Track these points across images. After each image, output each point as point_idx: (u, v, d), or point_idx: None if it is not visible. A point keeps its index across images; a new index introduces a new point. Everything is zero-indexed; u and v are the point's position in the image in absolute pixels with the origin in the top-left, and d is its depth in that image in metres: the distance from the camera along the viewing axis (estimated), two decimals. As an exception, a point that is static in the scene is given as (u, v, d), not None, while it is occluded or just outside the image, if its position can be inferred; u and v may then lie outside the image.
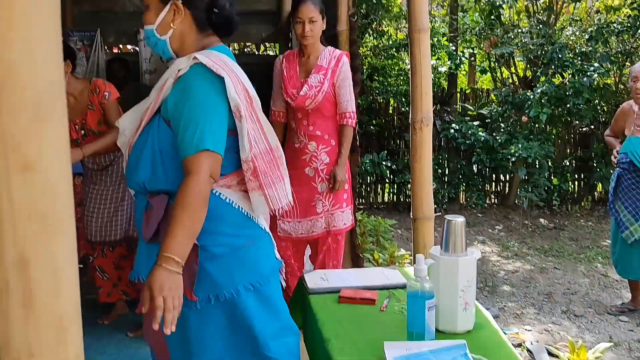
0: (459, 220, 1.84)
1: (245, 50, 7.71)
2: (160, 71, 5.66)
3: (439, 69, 7.13)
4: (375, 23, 7.06)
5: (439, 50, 6.93)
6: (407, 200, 7.35)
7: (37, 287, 0.52)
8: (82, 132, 3.23)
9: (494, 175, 7.65)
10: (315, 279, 2.27)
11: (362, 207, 7.52)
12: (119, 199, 3.36)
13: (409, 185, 6.86)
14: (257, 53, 7.34)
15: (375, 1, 6.59)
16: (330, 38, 3.91)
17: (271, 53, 7.33)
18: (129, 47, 6.35)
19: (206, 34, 1.73)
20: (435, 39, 6.70)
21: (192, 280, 1.63)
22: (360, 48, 7.28)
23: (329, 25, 3.91)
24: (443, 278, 1.81)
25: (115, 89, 3.29)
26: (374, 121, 7.27)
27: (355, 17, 3.70)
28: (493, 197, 7.69)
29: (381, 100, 7.39)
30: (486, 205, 7.42)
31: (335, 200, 3.14)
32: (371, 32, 7.28)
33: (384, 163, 6.93)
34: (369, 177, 7.34)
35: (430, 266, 1.82)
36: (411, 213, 2.62)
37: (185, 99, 1.59)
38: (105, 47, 5.77)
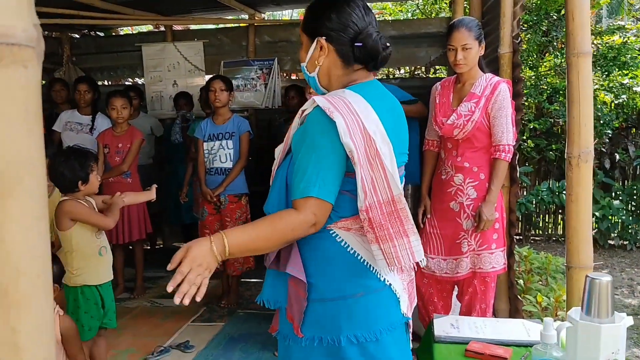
0: (604, 279, 1.56)
1: (416, 73, 7.62)
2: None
3: (634, 88, 6.32)
4: (556, 41, 6.51)
5: (632, 68, 6.15)
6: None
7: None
8: None
9: (703, 211, 6.55)
10: (444, 325, 2.10)
11: (538, 239, 6.97)
12: None
13: (595, 218, 6.16)
14: (426, 76, 7.21)
15: (555, 17, 6.07)
16: (491, 61, 3.66)
17: (442, 76, 7.13)
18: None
19: (354, 69, 1.65)
20: (629, 55, 5.96)
21: (300, 317, 1.59)
22: (540, 68, 6.77)
23: (491, 47, 3.67)
24: (582, 347, 1.54)
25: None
26: (553, 146, 6.68)
27: (519, 39, 3.41)
28: (703, 235, 6.58)
29: (563, 124, 6.76)
30: (693, 243, 6.37)
31: (482, 240, 2.88)
32: (552, 50, 6.72)
33: (564, 192, 6.32)
34: (545, 207, 6.75)
35: (567, 330, 1.57)
36: (565, 260, 2.31)
37: (302, 142, 1.55)
38: (284, 74, 6.12)
